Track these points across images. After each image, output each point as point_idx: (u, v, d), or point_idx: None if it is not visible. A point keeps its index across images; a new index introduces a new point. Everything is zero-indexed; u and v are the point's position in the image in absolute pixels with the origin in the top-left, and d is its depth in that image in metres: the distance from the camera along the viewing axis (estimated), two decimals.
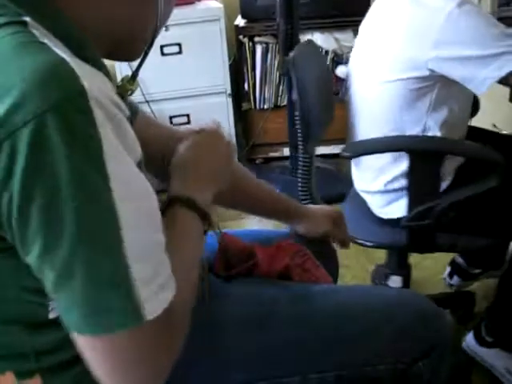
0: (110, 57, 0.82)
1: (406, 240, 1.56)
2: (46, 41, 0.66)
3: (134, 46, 0.84)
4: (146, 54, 0.84)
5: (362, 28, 1.71)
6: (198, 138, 0.96)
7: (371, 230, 1.69)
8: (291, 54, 1.58)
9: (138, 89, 2.93)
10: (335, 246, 1.31)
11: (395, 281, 1.82)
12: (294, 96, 1.60)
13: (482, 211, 1.56)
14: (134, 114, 1.04)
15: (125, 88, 0.85)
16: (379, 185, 1.65)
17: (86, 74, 0.64)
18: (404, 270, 1.83)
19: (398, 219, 1.58)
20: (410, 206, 1.49)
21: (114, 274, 0.64)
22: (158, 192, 0.77)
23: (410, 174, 1.47)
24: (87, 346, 0.67)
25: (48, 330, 0.67)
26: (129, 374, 0.69)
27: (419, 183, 1.47)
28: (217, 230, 0.95)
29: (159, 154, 1.00)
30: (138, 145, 0.74)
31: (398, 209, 1.62)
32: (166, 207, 0.86)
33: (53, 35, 0.68)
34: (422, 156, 1.46)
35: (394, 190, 1.62)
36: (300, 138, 1.66)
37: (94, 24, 0.74)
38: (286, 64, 2.96)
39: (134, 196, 0.67)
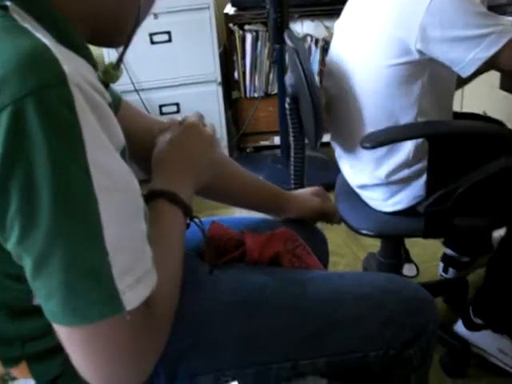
0: (92, 42, 0.80)
1: (421, 226, 1.53)
2: (27, 25, 0.65)
3: (117, 34, 0.83)
4: (130, 39, 0.83)
5: (341, 18, 1.69)
6: (177, 131, 0.95)
7: (378, 220, 1.67)
8: (291, 45, 1.55)
9: (128, 77, 2.93)
10: (325, 225, 1.31)
11: (410, 269, 1.81)
12: (290, 87, 1.59)
13: (495, 190, 1.55)
14: (117, 103, 1.03)
15: (109, 74, 0.84)
16: (378, 177, 1.63)
17: (68, 60, 0.63)
18: (398, 258, 1.83)
19: (407, 209, 1.57)
20: (429, 192, 1.48)
21: (93, 263, 0.64)
22: (141, 182, 0.77)
23: (430, 159, 1.45)
24: (66, 336, 0.67)
25: (33, 316, 0.66)
26: (108, 365, 0.69)
27: (439, 168, 1.46)
28: (199, 223, 0.94)
29: (143, 144, 0.99)
30: (121, 132, 0.74)
31: (402, 199, 1.61)
32: (148, 201, 0.85)
33: (35, 20, 0.67)
34: (444, 140, 1.44)
35: (397, 182, 1.60)
36: (293, 127, 1.65)
37: (76, 9, 0.73)
38: (277, 53, 2.95)
39: (114, 184, 0.67)
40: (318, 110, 1.57)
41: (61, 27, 0.70)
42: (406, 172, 1.58)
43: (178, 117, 1.01)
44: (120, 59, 0.84)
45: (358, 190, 1.75)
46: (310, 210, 1.27)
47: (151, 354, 0.74)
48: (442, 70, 1.47)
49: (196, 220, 0.93)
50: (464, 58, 1.39)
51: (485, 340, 1.73)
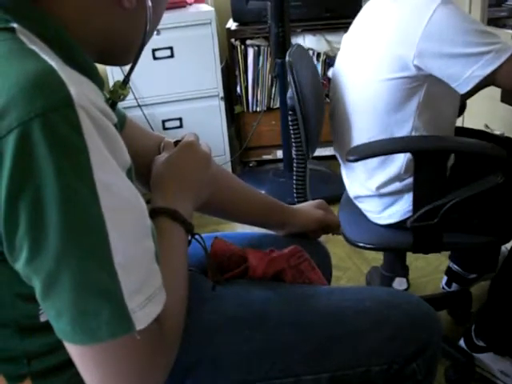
0: (100, 61, 0.82)
1: (411, 241, 1.55)
2: (34, 47, 0.66)
3: (125, 53, 0.84)
4: (137, 59, 0.84)
5: (349, 33, 1.71)
6: (175, 150, 0.98)
7: (373, 233, 1.69)
8: (287, 59, 1.58)
9: (131, 93, 2.94)
10: (328, 238, 1.32)
11: (400, 282, 1.82)
12: (290, 100, 1.61)
13: (483, 209, 1.56)
14: (122, 121, 1.05)
15: (116, 93, 0.85)
16: (370, 189, 1.65)
17: (74, 82, 0.64)
18: (402, 271, 1.83)
19: (398, 223, 1.58)
20: (416, 207, 1.49)
21: (102, 283, 0.64)
22: (148, 202, 0.78)
23: (416, 174, 1.46)
24: (77, 355, 0.68)
25: (39, 333, 0.67)
26: (118, 383, 0.69)
27: (425, 183, 1.47)
28: (201, 240, 0.96)
29: (146, 162, 1.01)
30: (127, 152, 0.74)
31: (395, 213, 1.62)
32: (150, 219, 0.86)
33: (42, 41, 0.68)
34: (429, 155, 1.45)
35: (389, 194, 1.62)
36: (295, 140, 1.66)
37: (85, 32, 0.74)
38: (279, 67, 2.97)
39: (121, 205, 0.67)
40: (306, 121, 1.58)
41: (68, 49, 0.71)
42: (397, 185, 1.59)
43: (175, 137, 1.04)
44: (127, 77, 0.85)
45: (355, 201, 1.76)
46: (313, 222, 1.27)
47: (162, 371, 0.75)
48: (441, 88, 1.48)
49: (197, 237, 0.94)
50: (461, 75, 1.40)
51: (486, 361, 1.73)
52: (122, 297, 0.65)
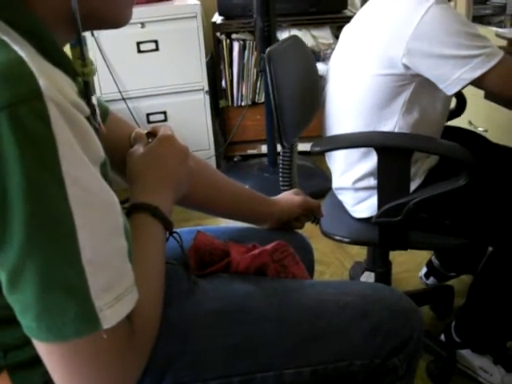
0: (99, 28, 0.80)
1: (378, 237, 1.56)
2: (5, 38, 0.64)
3: (117, 10, 0.79)
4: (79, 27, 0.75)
5: (345, 29, 1.71)
6: (153, 143, 0.96)
7: (347, 226, 1.70)
8: (267, 49, 1.57)
9: (115, 86, 2.92)
10: (311, 233, 1.32)
11: (368, 276, 1.83)
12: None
13: (454, 211, 1.57)
14: (104, 114, 1.03)
15: (80, 70, 0.79)
16: (347, 181, 1.66)
17: (45, 73, 0.63)
18: (384, 267, 1.84)
19: (370, 217, 1.59)
20: (380, 203, 1.50)
21: (68, 279, 0.63)
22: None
23: (379, 170, 1.47)
24: (43, 352, 0.67)
25: (16, 325, 0.66)
26: (85, 382, 0.69)
27: (388, 180, 1.48)
28: (178, 238, 0.95)
29: (121, 155, 0.99)
30: (100, 146, 0.73)
31: (368, 208, 1.64)
32: (128, 215, 0.86)
33: (17, 32, 0.67)
34: (390, 152, 1.46)
35: (363, 189, 1.63)
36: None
37: (66, 7, 0.72)
38: (263, 60, 2.96)
39: (91, 201, 0.66)
40: (277, 112, 1.57)
41: (42, 40, 0.69)
42: (371, 181, 1.60)
43: (144, 129, 1.02)
44: (81, 52, 0.79)
45: (335, 193, 1.78)
46: (295, 207, 1.28)
47: (132, 372, 0.74)
48: (428, 89, 1.48)
49: (175, 235, 0.93)
50: (450, 77, 1.40)
51: (467, 357, 1.75)
52: (89, 294, 0.64)
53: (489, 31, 2.18)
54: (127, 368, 0.72)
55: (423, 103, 1.53)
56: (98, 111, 0.84)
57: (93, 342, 0.66)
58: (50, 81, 0.63)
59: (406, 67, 1.44)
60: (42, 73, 0.62)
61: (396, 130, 1.53)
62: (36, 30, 0.69)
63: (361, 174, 1.61)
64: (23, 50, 0.63)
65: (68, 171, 0.62)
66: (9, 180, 0.59)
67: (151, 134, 1.00)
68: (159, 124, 1.01)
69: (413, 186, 1.54)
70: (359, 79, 1.55)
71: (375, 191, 1.54)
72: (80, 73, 0.78)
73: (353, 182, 1.64)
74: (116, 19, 0.80)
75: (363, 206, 1.65)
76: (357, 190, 1.64)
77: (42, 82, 0.61)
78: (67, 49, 0.78)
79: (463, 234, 1.57)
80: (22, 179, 0.60)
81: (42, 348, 0.67)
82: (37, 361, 0.68)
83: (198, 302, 0.96)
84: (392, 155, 1.46)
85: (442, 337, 1.80)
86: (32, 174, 0.60)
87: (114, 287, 0.68)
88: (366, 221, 1.65)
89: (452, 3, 2.45)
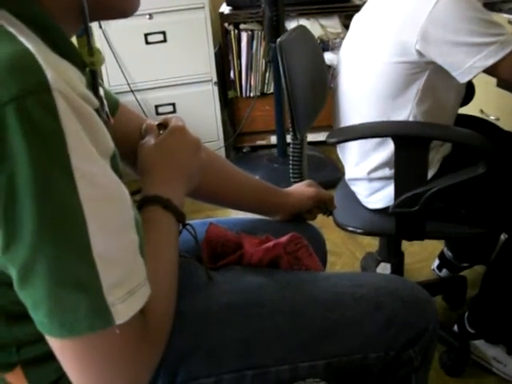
0: (106, 18, 0.79)
1: (394, 227, 1.55)
2: (12, 30, 0.64)
3: (125, 1, 0.78)
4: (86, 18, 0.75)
5: (356, 18, 1.70)
6: (164, 135, 0.95)
7: (361, 217, 1.69)
8: (278, 41, 1.56)
9: (123, 78, 2.92)
10: (323, 223, 1.31)
11: (384, 268, 1.82)
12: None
13: (470, 200, 1.55)
14: (114, 106, 1.03)
15: (88, 60, 0.78)
16: (362, 172, 1.65)
17: (53, 65, 0.62)
18: (396, 258, 1.83)
19: (385, 208, 1.57)
20: (397, 193, 1.48)
21: (79, 274, 0.63)
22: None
23: (396, 159, 1.46)
24: (57, 347, 0.67)
25: (29, 320, 0.66)
26: (100, 378, 0.68)
27: (405, 169, 1.46)
28: (192, 230, 0.94)
29: (132, 147, 0.98)
30: (110, 138, 0.72)
31: (382, 198, 1.62)
32: (140, 207, 0.85)
33: (24, 24, 0.66)
34: (408, 141, 1.44)
35: (378, 179, 1.62)
36: (292, 125, 1.65)
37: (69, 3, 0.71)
38: (273, 52, 2.95)
39: (101, 193, 0.65)
40: (291, 103, 1.56)
41: (49, 32, 0.69)
42: (386, 171, 1.59)
43: (154, 121, 1.00)
44: (88, 42, 0.78)
45: (349, 184, 1.77)
46: (308, 200, 1.27)
47: (146, 367, 0.73)
48: (442, 77, 1.46)
49: (188, 227, 0.92)
50: (463, 64, 1.39)
51: (480, 347, 1.74)
52: (101, 289, 0.64)
53: (501, 18, 2.16)
54: (141, 363, 0.72)
55: (437, 91, 1.51)
56: (105, 103, 0.83)
57: (106, 337, 0.66)
58: (58, 73, 0.62)
59: (420, 54, 1.42)
60: (50, 65, 0.62)
61: (410, 119, 1.51)
62: (43, 21, 0.69)
63: (376, 164, 1.60)
64: (30, 42, 0.63)
65: (77, 164, 0.62)
66: (17, 174, 0.59)
67: (162, 126, 0.98)
68: (170, 115, 1.00)
69: (428, 175, 1.52)
70: (372, 68, 1.53)
71: (390, 181, 1.53)
72: (88, 62, 0.77)
73: (368, 172, 1.62)
74: (124, 8, 0.79)
75: (378, 196, 1.64)
76: (371, 180, 1.63)
77: (49, 74, 0.60)
78: (73, 40, 0.77)
79: (479, 223, 1.56)
80: (30, 173, 0.59)
81: (55, 344, 0.66)
82: (50, 356, 0.68)
83: (211, 296, 0.95)
84: (410, 144, 1.44)
85: (455, 327, 1.79)
86: (40, 168, 0.59)
87: (126, 282, 0.67)
88: (380, 211, 1.63)
89: None
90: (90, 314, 0.64)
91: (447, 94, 1.55)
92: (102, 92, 0.81)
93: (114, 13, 0.79)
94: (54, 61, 0.66)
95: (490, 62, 1.36)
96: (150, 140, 0.95)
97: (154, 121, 1.02)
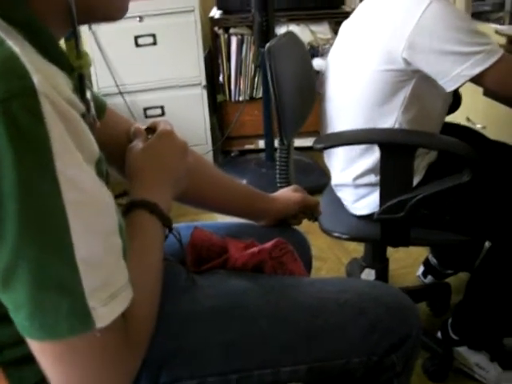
0: (95, 21, 0.79)
1: (380, 233, 1.56)
2: (0, 33, 0.63)
3: (113, 3, 0.78)
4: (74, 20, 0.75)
5: (344, 25, 1.71)
6: (153, 139, 0.95)
7: (347, 223, 1.70)
8: (266, 46, 1.56)
9: (112, 80, 2.91)
10: (308, 229, 1.31)
11: (369, 274, 1.83)
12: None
13: (455, 207, 1.57)
14: (102, 109, 1.03)
15: (75, 63, 0.78)
16: (347, 178, 1.66)
17: (40, 69, 0.62)
18: (381, 263, 1.83)
19: (370, 214, 1.58)
20: (382, 199, 1.49)
21: (61, 278, 0.63)
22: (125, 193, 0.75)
23: (382, 166, 1.47)
24: (37, 350, 0.66)
25: (9, 323, 0.66)
26: (80, 381, 0.68)
27: (390, 176, 1.47)
28: (177, 235, 0.94)
29: (119, 151, 0.98)
30: (94, 143, 0.72)
31: (368, 204, 1.63)
32: (127, 212, 0.85)
33: (13, 27, 0.66)
34: (394, 148, 1.45)
35: (364, 185, 1.62)
36: (279, 130, 1.66)
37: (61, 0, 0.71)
38: (262, 57, 2.95)
39: (85, 199, 0.65)
40: (278, 108, 1.57)
41: (38, 36, 0.69)
42: (372, 178, 1.60)
43: (143, 124, 1.00)
44: (76, 45, 0.78)
45: (334, 189, 1.78)
46: (293, 205, 1.27)
47: (127, 371, 0.73)
48: (428, 85, 1.47)
49: (175, 232, 0.92)
50: (449, 73, 1.40)
51: (463, 354, 1.75)
52: (83, 293, 0.64)
53: (488, 28, 2.18)
54: (122, 366, 0.72)
55: (423, 100, 1.52)
56: (92, 106, 0.83)
57: (86, 340, 0.66)
58: (45, 77, 0.62)
59: (406, 62, 1.43)
60: (37, 69, 0.62)
61: (396, 127, 1.52)
62: (32, 24, 0.69)
63: (361, 170, 1.61)
64: (17, 45, 0.63)
65: (61, 168, 0.62)
66: (1, 177, 0.59)
67: (150, 130, 0.99)
68: (158, 119, 1.00)
69: (414, 182, 1.53)
70: (359, 75, 1.54)
71: (376, 188, 1.53)
72: (76, 65, 0.77)
73: (353, 178, 1.63)
74: (112, 12, 0.79)
75: (363, 202, 1.65)
76: (357, 186, 1.64)
77: (35, 79, 0.60)
78: (61, 42, 0.77)
79: (463, 230, 1.57)
80: (14, 176, 0.59)
81: (36, 346, 0.66)
82: (32, 358, 0.68)
83: (194, 299, 0.95)
84: (395, 152, 1.45)
85: (439, 334, 1.80)
86: (25, 171, 0.59)
87: (108, 285, 0.67)
88: (366, 217, 1.64)
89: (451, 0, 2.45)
90: (71, 317, 0.64)
91: (433, 103, 1.56)
92: (89, 95, 0.81)
93: (102, 17, 0.79)
94: (40, 65, 0.66)
95: (477, 70, 1.37)
96: (138, 144, 0.95)
97: (142, 124, 1.03)
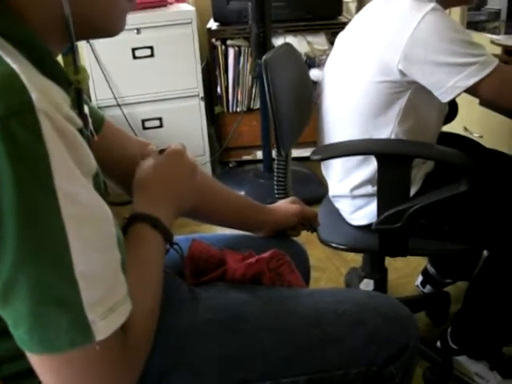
0: (92, 37, 0.79)
1: (378, 244, 1.56)
2: None
3: (111, 20, 0.79)
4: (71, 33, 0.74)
5: (340, 36, 1.71)
6: (162, 157, 0.97)
7: (345, 233, 1.70)
8: (263, 58, 1.57)
9: (110, 92, 2.92)
10: (306, 239, 1.31)
11: (367, 284, 1.83)
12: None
13: (452, 217, 1.57)
14: (100, 123, 1.03)
15: (75, 82, 0.79)
16: (345, 189, 1.66)
17: (38, 85, 0.63)
18: (380, 274, 1.84)
19: (368, 225, 1.59)
20: (380, 210, 1.50)
21: (61, 292, 0.63)
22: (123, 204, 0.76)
23: (379, 177, 1.47)
24: (36, 364, 0.67)
25: (8, 337, 0.66)
26: None
27: (388, 187, 1.48)
28: (179, 249, 0.95)
29: (123, 163, 1.00)
30: (92, 157, 0.72)
31: (366, 215, 1.63)
32: (129, 225, 0.86)
33: (11, 44, 0.67)
34: (391, 159, 1.46)
35: (361, 196, 1.63)
36: (277, 141, 1.66)
37: (58, 17, 0.71)
38: (259, 68, 2.96)
39: (84, 214, 0.66)
40: (275, 120, 1.57)
41: (36, 52, 0.69)
42: (369, 189, 1.60)
43: (155, 137, 1.01)
44: (74, 60, 0.78)
45: (332, 200, 1.78)
46: (292, 217, 1.28)
47: (125, 383, 0.73)
48: (424, 96, 1.48)
49: (176, 247, 0.93)
50: (445, 84, 1.40)
51: (463, 363, 1.74)
52: (82, 307, 0.64)
53: (483, 38, 2.19)
54: (120, 379, 0.72)
55: (419, 111, 1.53)
56: (90, 120, 0.83)
57: (85, 353, 0.66)
58: (43, 94, 0.62)
59: (402, 74, 1.44)
60: (35, 85, 0.62)
61: (392, 137, 1.53)
62: (29, 40, 0.69)
63: (358, 181, 1.61)
64: (16, 62, 0.63)
65: (60, 184, 0.62)
66: (0, 195, 0.59)
67: (163, 151, 1.00)
68: (173, 143, 1.00)
69: (411, 192, 1.54)
70: (355, 86, 1.55)
71: (373, 198, 1.54)
72: (73, 80, 0.78)
73: (350, 189, 1.64)
74: (109, 29, 0.79)
75: (361, 213, 1.65)
76: (354, 197, 1.64)
77: (34, 95, 0.60)
78: (59, 58, 0.77)
79: (461, 240, 1.57)
80: (13, 193, 0.59)
81: (35, 360, 0.66)
82: (32, 372, 0.68)
83: (193, 312, 0.95)
84: (392, 162, 1.46)
85: (438, 343, 1.80)
86: (24, 188, 0.60)
87: (107, 299, 0.68)
88: (364, 228, 1.65)
89: (446, 10, 2.46)
90: (71, 331, 0.64)
91: (429, 114, 1.57)
92: (86, 109, 0.81)
93: (99, 32, 0.80)
94: (39, 81, 0.66)
95: (471, 81, 1.38)
96: (149, 161, 0.97)
97: (153, 146, 1.04)
